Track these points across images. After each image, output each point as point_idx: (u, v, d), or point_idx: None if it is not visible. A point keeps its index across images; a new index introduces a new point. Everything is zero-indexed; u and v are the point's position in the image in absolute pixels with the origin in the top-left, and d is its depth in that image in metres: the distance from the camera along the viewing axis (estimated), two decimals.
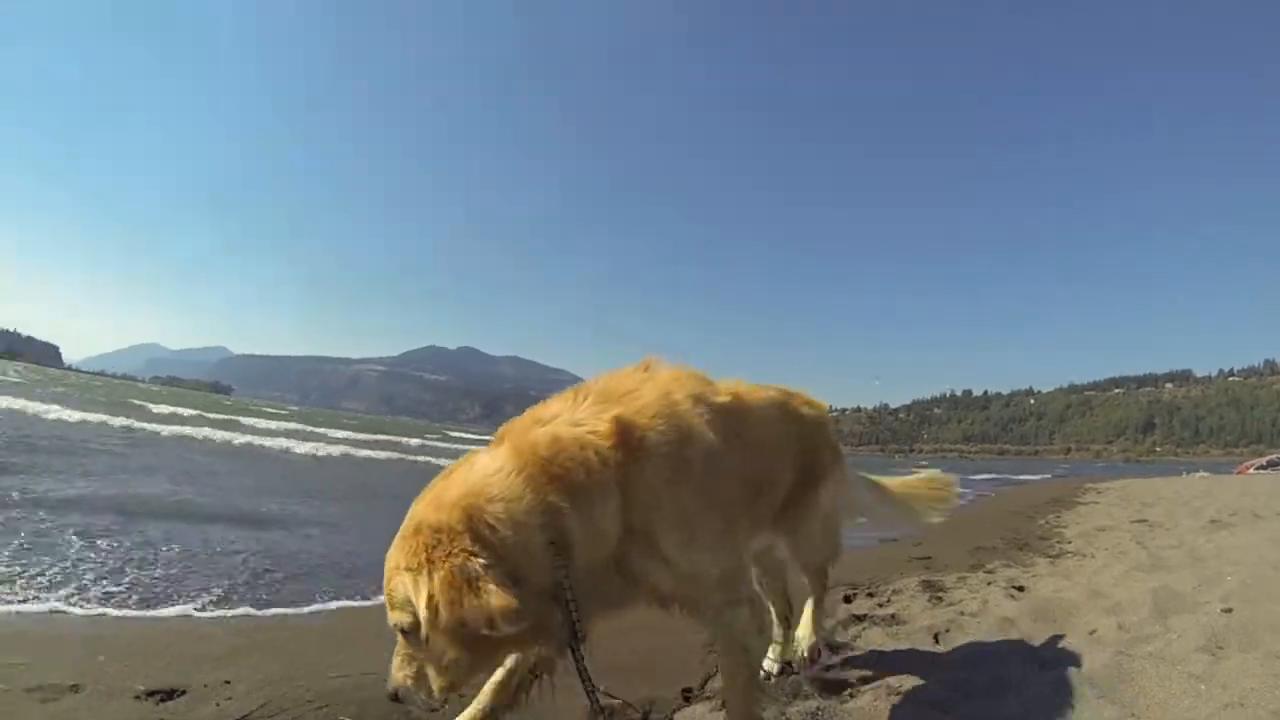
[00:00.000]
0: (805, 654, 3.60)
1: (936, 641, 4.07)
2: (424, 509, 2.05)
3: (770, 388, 3.20)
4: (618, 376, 2.54)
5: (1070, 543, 8.21)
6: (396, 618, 2.01)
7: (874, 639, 4.14)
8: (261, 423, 32.49)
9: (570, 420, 2.27)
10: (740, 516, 2.63)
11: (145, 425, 20.92)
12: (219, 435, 21.22)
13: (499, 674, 2.64)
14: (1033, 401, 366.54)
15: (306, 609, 5.23)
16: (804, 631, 3.69)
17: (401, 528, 2.06)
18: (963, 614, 4.59)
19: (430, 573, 1.91)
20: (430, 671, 2.05)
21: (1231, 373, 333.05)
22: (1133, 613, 4.18)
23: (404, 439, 32.20)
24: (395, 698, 2.13)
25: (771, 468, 2.95)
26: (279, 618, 4.97)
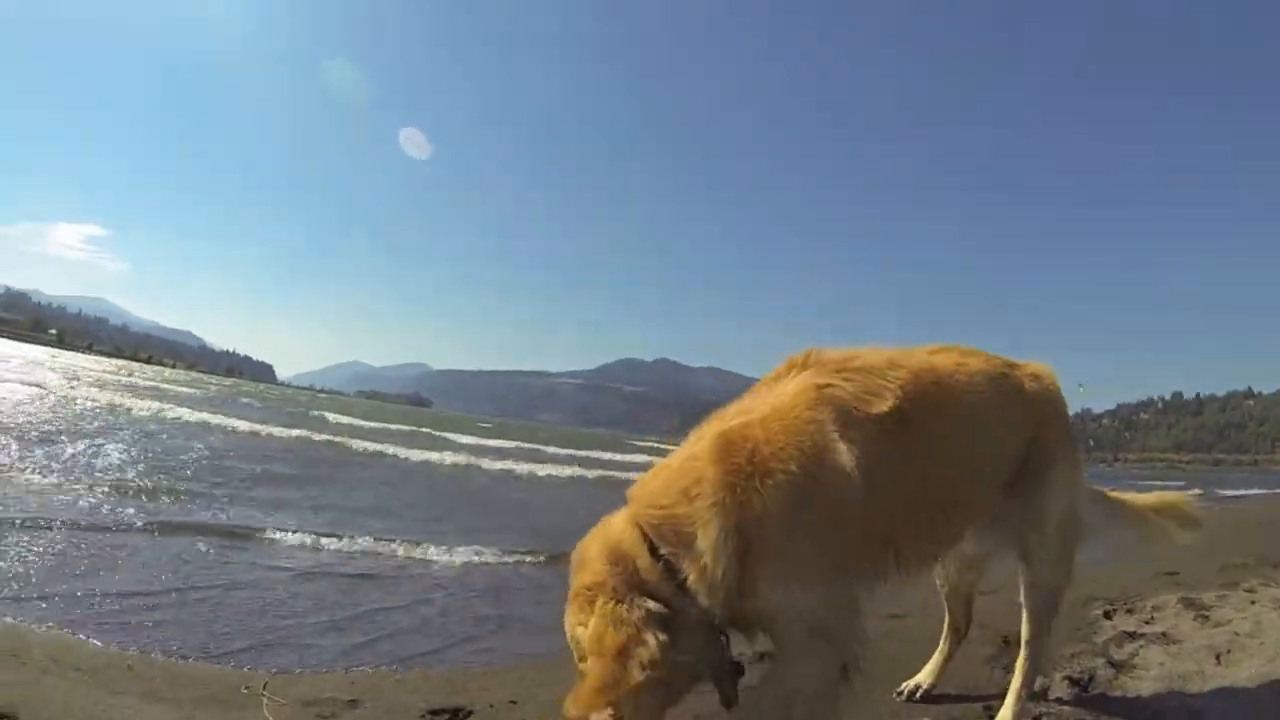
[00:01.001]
0: None
1: (1219, 662, 3.90)
2: (579, 576, 2.25)
3: (984, 356, 2.79)
4: (766, 380, 2.50)
5: None
6: (581, 666, 2.15)
7: (1153, 657, 4.05)
8: (483, 441, 33.25)
9: (688, 451, 2.32)
10: (879, 552, 2.40)
11: (390, 449, 21.01)
12: (460, 459, 21.11)
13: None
14: (1251, 404, 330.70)
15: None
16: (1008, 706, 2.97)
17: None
18: (1237, 634, 4.38)
19: (590, 622, 2.11)
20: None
21: None
22: None
23: (618, 454, 32.14)
24: None
25: (970, 465, 2.62)
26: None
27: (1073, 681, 3.57)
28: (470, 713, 3.29)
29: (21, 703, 2.77)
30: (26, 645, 3.50)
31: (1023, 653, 2.96)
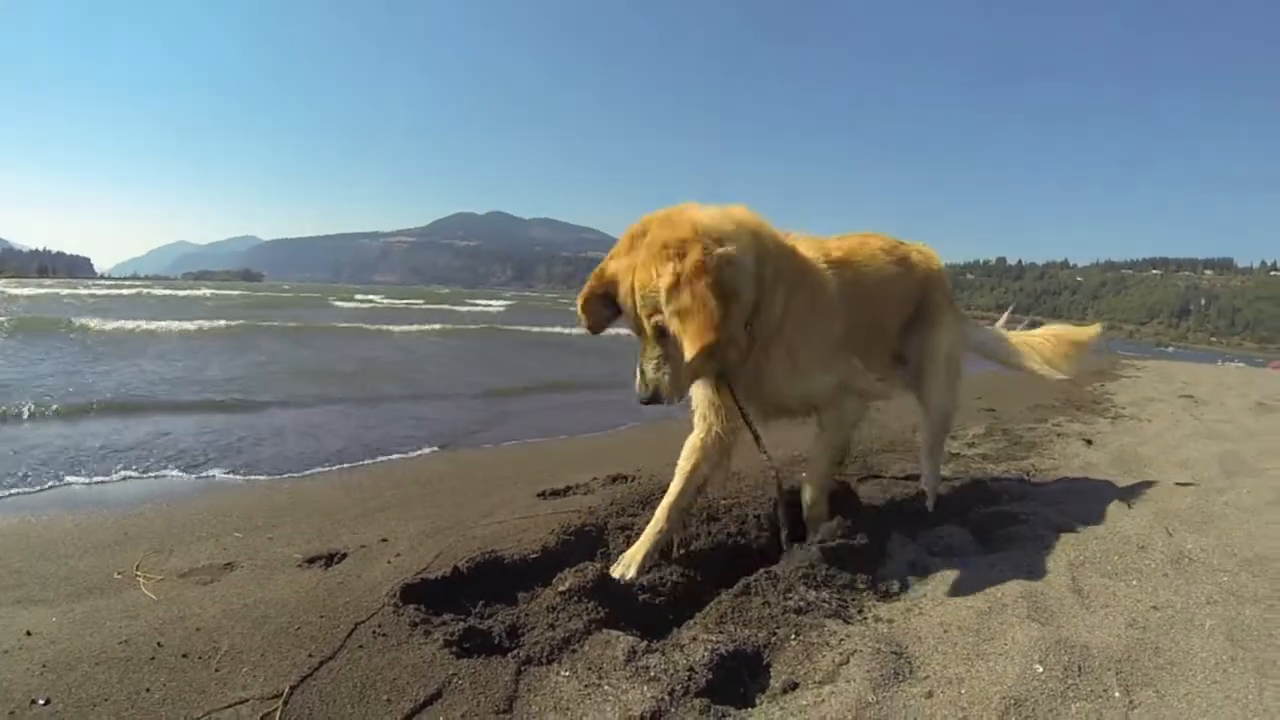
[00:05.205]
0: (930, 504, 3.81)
1: (1028, 476, 4.55)
2: (659, 235, 2.51)
3: (880, 236, 3.61)
4: (793, 236, 3.17)
5: (1124, 409, 8.56)
6: (654, 320, 2.51)
7: (976, 471, 4.67)
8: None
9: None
10: (843, 348, 3.19)
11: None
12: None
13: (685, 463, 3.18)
14: (1066, 274, 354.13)
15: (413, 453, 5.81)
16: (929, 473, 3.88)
17: (640, 259, 2.52)
18: (1043, 456, 5.09)
19: (680, 260, 2.41)
20: (676, 370, 2.57)
21: (1275, 266, 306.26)
22: (1203, 469, 4.60)
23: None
24: (652, 399, 2.62)
25: (879, 309, 3.44)
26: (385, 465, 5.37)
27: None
28: (345, 555, 3.29)
29: None
30: None
31: (924, 464, 3.88)
